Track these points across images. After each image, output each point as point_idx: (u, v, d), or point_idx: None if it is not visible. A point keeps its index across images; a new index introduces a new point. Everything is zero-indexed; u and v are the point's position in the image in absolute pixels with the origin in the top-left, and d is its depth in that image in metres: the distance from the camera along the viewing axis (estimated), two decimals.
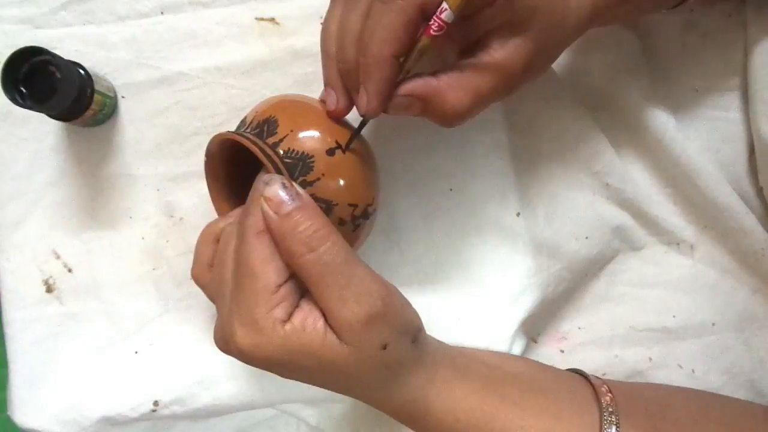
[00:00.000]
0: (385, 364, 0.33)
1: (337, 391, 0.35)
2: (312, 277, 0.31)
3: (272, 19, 0.44)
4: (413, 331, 0.34)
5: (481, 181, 0.44)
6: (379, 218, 0.42)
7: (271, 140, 0.34)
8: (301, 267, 0.31)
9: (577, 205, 0.45)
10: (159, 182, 0.46)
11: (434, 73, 0.33)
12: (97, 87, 0.42)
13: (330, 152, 0.34)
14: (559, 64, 0.44)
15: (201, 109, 0.45)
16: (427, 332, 0.38)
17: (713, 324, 0.45)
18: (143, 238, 0.46)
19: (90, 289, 0.46)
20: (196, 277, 0.37)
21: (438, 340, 0.38)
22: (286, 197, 0.31)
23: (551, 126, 0.45)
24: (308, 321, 0.31)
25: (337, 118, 0.36)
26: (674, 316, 0.46)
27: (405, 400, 0.35)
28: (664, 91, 0.45)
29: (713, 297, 0.46)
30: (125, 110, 0.45)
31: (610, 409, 0.36)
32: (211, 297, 0.36)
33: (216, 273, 0.34)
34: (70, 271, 0.46)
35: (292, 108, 0.36)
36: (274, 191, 0.31)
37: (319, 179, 0.34)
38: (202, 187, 0.39)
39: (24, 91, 0.39)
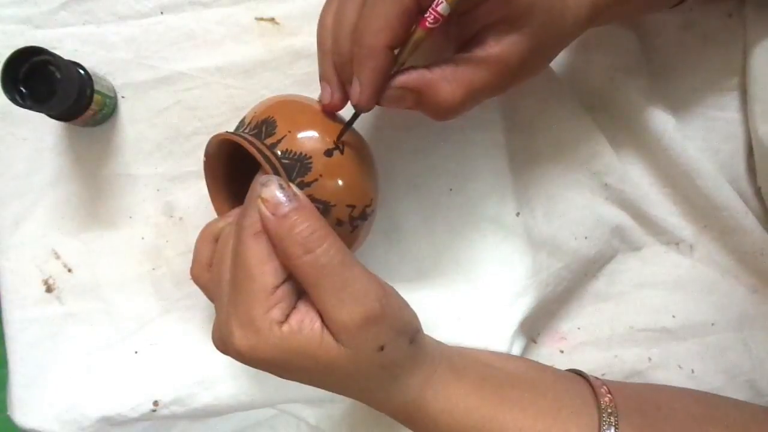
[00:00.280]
0: (382, 366, 0.33)
1: (335, 392, 0.35)
2: (309, 279, 0.31)
3: (272, 19, 0.45)
4: (411, 332, 0.34)
5: (481, 181, 0.44)
6: (379, 218, 0.42)
7: (269, 141, 0.34)
8: (298, 268, 0.31)
9: (576, 204, 0.45)
10: (159, 182, 0.46)
11: (428, 66, 0.33)
12: (97, 87, 0.42)
13: (328, 153, 0.34)
14: (559, 63, 0.44)
15: (201, 109, 0.45)
16: (427, 332, 0.38)
17: (713, 324, 0.45)
18: (143, 238, 0.46)
19: (90, 289, 0.46)
20: (195, 277, 0.37)
21: (436, 341, 0.38)
22: (283, 198, 0.31)
23: (550, 126, 0.45)
24: (305, 322, 0.31)
25: (332, 112, 0.36)
26: (674, 316, 0.46)
27: (403, 401, 0.35)
28: (664, 91, 0.45)
29: (713, 297, 0.46)
30: (125, 110, 0.45)
31: (609, 410, 0.36)
32: (210, 297, 0.36)
33: (214, 273, 0.35)
34: (70, 271, 0.46)
35: (291, 108, 0.36)
36: (271, 192, 0.31)
37: (317, 180, 0.34)
38: (202, 187, 0.39)
39: (24, 91, 0.39)
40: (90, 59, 0.44)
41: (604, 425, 0.35)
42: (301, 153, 0.34)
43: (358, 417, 0.47)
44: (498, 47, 0.33)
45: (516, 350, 0.43)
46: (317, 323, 0.31)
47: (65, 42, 0.45)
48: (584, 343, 0.46)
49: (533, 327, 0.46)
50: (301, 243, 0.30)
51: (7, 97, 0.38)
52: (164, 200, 0.46)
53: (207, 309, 0.46)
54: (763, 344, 0.45)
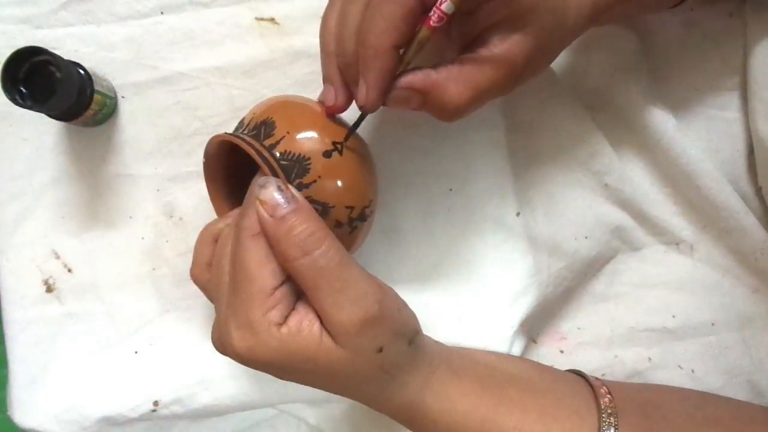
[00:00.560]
0: (381, 367, 0.33)
1: (334, 393, 0.35)
2: (307, 281, 0.31)
3: (272, 19, 0.44)
4: (410, 334, 0.34)
5: (481, 181, 0.44)
6: (379, 218, 0.42)
7: (267, 142, 0.34)
8: (296, 270, 0.31)
9: (576, 205, 0.45)
10: (159, 182, 0.46)
11: (434, 67, 0.33)
12: (97, 87, 0.42)
13: (327, 154, 0.34)
14: (559, 63, 0.44)
15: (201, 109, 0.45)
16: (427, 332, 0.38)
17: (713, 324, 0.45)
18: (143, 238, 0.46)
19: (90, 289, 0.46)
20: (195, 278, 0.37)
21: (436, 342, 0.38)
22: (282, 200, 0.31)
23: (551, 126, 0.45)
24: (304, 324, 0.31)
25: (335, 115, 0.36)
26: (674, 316, 0.46)
27: (402, 402, 0.35)
28: (664, 91, 0.45)
29: (713, 297, 0.45)
30: (125, 110, 0.45)
31: (609, 411, 0.36)
32: (210, 297, 0.36)
33: (214, 274, 0.35)
34: (70, 271, 0.46)
35: (290, 109, 0.36)
36: (270, 194, 0.31)
37: (315, 181, 0.34)
38: (202, 187, 0.39)
39: (24, 91, 0.39)
40: (90, 59, 0.44)
41: (603, 426, 0.35)
42: (299, 154, 0.34)
43: (358, 417, 0.47)
44: (503, 47, 0.33)
45: (516, 350, 0.43)
46: (316, 325, 0.31)
47: (65, 42, 0.45)
48: (584, 343, 0.46)
49: (533, 327, 0.46)
50: (298, 245, 0.30)
51: (7, 97, 0.38)
52: (164, 200, 0.46)
53: (207, 309, 0.46)
54: (763, 344, 0.45)
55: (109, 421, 0.45)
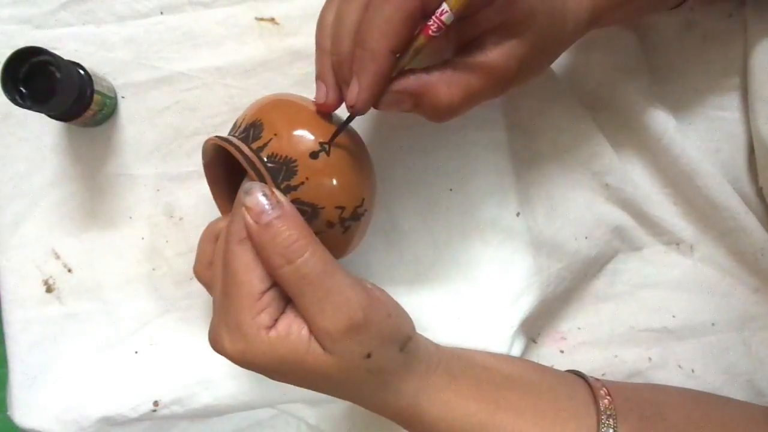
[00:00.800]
0: (370, 372, 0.33)
1: (329, 395, 0.35)
2: (291, 288, 0.31)
3: (272, 19, 0.44)
4: (401, 339, 0.34)
5: (481, 181, 0.44)
6: (379, 218, 0.42)
7: (255, 145, 0.34)
8: (281, 277, 0.31)
9: (576, 205, 0.45)
10: (159, 182, 0.46)
11: (426, 69, 0.33)
12: (97, 87, 0.42)
13: (313, 155, 0.34)
14: (559, 64, 0.44)
15: (201, 109, 0.45)
16: (427, 332, 0.38)
17: (713, 324, 0.45)
18: (143, 238, 0.46)
19: (90, 289, 0.46)
20: (197, 275, 0.37)
21: (434, 344, 0.38)
22: (266, 206, 0.31)
23: (551, 126, 0.45)
24: (293, 328, 0.31)
25: (325, 113, 0.35)
26: (674, 316, 0.46)
27: (398, 407, 0.35)
28: (664, 91, 0.45)
29: (713, 297, 0.46)
30: (125, 110, 0.45)
31: (608, 413, 0.36)
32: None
33: (213, 273, 0.35)
34: (70, 271, 0.46)
35: (279, 110, 0.36)
36: (255, 200, 0.31)
37: (303, 183, 0.33)
38: (202, 187, 0.39)
39: (24, 91, 0.39)
40: (90, 59, 0.44)
41: (603, 428, 0.35)
42: (286, 156, 0.33)
43: (358, 417, 0.47)
44: (497, 52, 0.32)
45: (516, 350, 0.43)
46: (305, 329, 0.32)
47: (65, 42, 0.45)
48: (584, 343, 0.46)
49: (533, 327, 0.46)
50: (281, 253, 0.31)
51: (7, 97, 0.38)
52: (164, 200, 0.46)
53: (207, 309, 0.46)
54: (763, 344, 0.45)
55: (109, 421, 0.45)
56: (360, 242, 0.38)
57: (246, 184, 0.32)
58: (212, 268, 0.35)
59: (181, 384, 0.44)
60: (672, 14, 0.44)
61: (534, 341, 0.47)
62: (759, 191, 0.44)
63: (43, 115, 0.42)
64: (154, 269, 0.46)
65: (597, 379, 0.40)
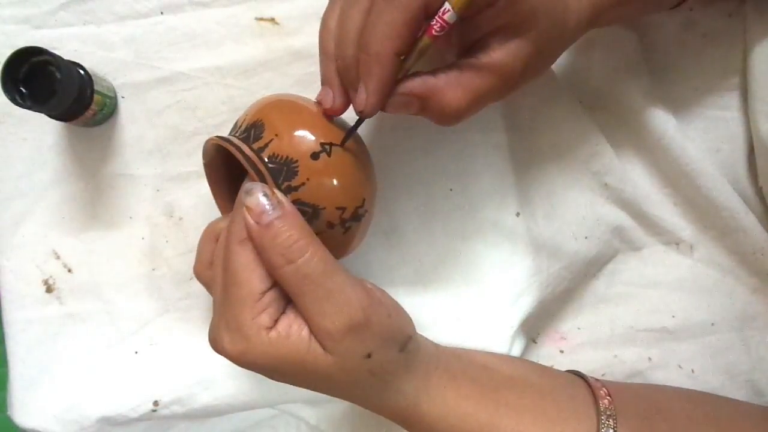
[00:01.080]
0: (371, 372, 0.33)
1: (329, 395, 0.35)
2: (292, 288, 0.31)
3: (272, 19, 0.44)
4: (401, 340, 0.34)
5: (481, 182, 0.44)
6: (379, 218, 0.42)
7: (256, 145, 0.34)
8: (281, 278, 0.31)
9: (576, 205, 0.45)
10: (159, 182, 0.46)
11: (433, 72, 0.33)
12: (97, 87, 0.42)
13: (314, 156, 0.34)
14: (559, 64, 0.44)
15: (201, 109, 0.45)
16: (428, 332, 0.38)
17: (713, 324, 0.45)
18: (143, 238, 0.46)
19: (90, 289, 0.46)
20: (198, 275, 0.37)
21: (434, 345, 0.38)
22: (267, 207, 0.31)
23: (551, 126, 0.45)
24: (293, 328, 0.32)
25: (332, 117, 0.35)
26: (674, 316, 0.46)
27: (398, 407, 0.35)
28: (664, 91, 0.45)
29: (713, 297, 0.46)
30: (125, 110, 0.45)
31: (608, 413, 0.36)
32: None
33: (213, 273, 0.35)
34: (70, 271, 0.46)
35: (280, 111, 0.36)
36: (255, 200, 0.31)
37: (304, 184, 0.33)
38: (202, 187, 0.39)
39: (24, 91, 0.39)
40: (90, 59, 0.44)
41: (603, 428, 0.35)
42: (287, 157, 0.33)
43: (358, 417, 0.47)
44: (501, 52, 0.33)
45: (516, 350, 0.43)
46: (305, 330, 0.32)
47: (65, 42, 0.45)
48: (584, 344, 0.46)
49: (533, 327, 0.46)
50: (282, 253, 0.31)
51: (7, 97, 0.38)
52: (164, 200, 0.46)
53: (207, 309, 0.46)
54: (763, 344, 0.45)
55: (109, 421, 0.45)
56: (360, 243, 0.38)
57: (247, 185, 0.32)
58: (212, 268, 0.35)
59: (181, 384, 0.44)
60: (672, 14, 0.44)
61: (534, 341, 0.47)
62: (759, 191, 0.44)
63: (43, 115, 0.42)
64: (154, 269, 0.46)
65: (597, 380, 0.40)
